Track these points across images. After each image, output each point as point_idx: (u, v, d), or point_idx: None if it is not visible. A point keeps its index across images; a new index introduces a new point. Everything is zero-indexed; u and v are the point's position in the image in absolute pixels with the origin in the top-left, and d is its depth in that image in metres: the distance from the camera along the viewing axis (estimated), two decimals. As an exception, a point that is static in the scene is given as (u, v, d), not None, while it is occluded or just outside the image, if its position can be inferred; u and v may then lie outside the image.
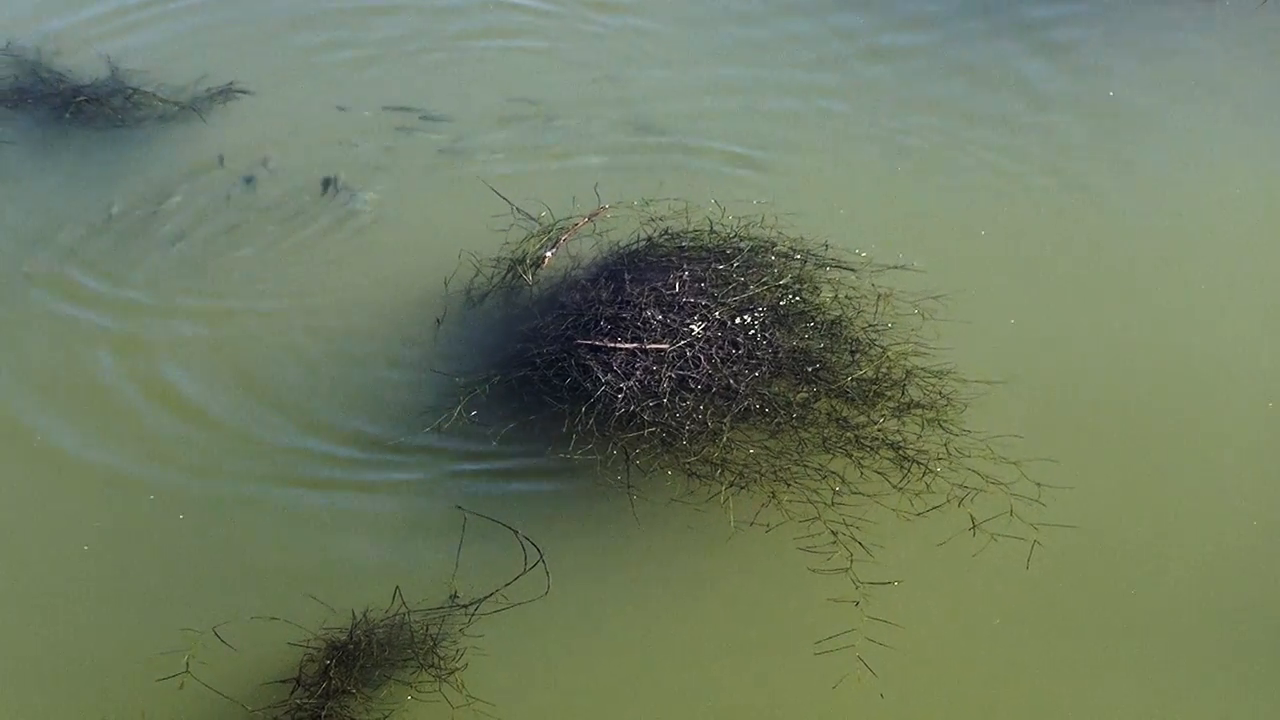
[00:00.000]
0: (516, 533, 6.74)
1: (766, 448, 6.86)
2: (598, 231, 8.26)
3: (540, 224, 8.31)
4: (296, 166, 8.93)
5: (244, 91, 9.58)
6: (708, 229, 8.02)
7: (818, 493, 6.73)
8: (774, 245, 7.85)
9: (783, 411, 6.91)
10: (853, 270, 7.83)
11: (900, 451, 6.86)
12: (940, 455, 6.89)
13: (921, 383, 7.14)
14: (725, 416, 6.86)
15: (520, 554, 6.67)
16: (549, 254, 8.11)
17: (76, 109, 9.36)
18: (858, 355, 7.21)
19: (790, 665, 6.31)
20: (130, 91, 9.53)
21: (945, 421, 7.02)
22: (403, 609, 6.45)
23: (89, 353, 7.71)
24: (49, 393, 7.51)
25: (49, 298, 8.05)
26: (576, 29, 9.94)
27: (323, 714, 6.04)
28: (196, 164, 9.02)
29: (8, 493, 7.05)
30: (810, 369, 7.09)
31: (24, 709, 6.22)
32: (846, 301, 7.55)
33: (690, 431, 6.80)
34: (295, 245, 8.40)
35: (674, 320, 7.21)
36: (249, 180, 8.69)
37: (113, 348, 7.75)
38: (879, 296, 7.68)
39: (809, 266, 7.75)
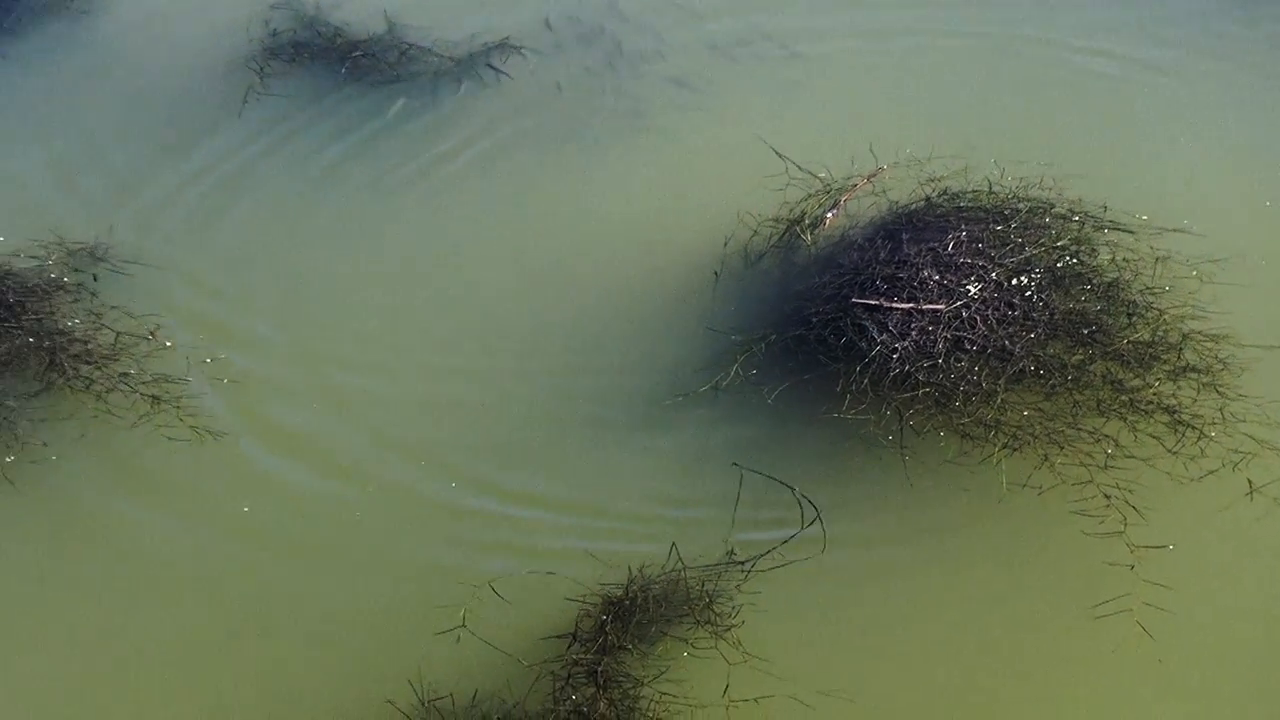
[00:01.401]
0: (794, 490, 7.40)
1: (1040, 410, 7.43)
2: (876, 191, 8.86)
3: (820, 183, 8.97)
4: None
5: (518, 48, 10.40)
6: (986, 189, 8.59)
7: (1091, 456, 7.28)
8: (1052, 207, 8.38)
9: (1057, 374, 7.47)
10: (1131, 232, 8.34)
11: (1175, 415, 7.36)
12: (1215, 420, 7.38)
13: (1198, 346, 7.65)
14: (1000, 378, 7.45)
15: (796, 512, 7.33)
16: (829, 215, 8.77)
17: (353, 64, 10.27)
18: (1134, 318, 7.72)
19: (1066, 628, 6.85)
20: (406, 47, 10.39)
21: (1221, 386, 7.52)
22: (679, 565, 7.13)
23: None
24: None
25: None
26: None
27: (599, 669, 6.58)
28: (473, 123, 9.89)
29: (287, 461, 7.97)
30: (1086, 331, 7.64)
31: (308, 663, 6.97)
32: (1124, 264, 8.06)
33: (964, 392, 7.42)
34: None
35: (950, 280, 7.83)
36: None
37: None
38: (1157, 259, 8.18)
39: (1087, 229, 8.28)
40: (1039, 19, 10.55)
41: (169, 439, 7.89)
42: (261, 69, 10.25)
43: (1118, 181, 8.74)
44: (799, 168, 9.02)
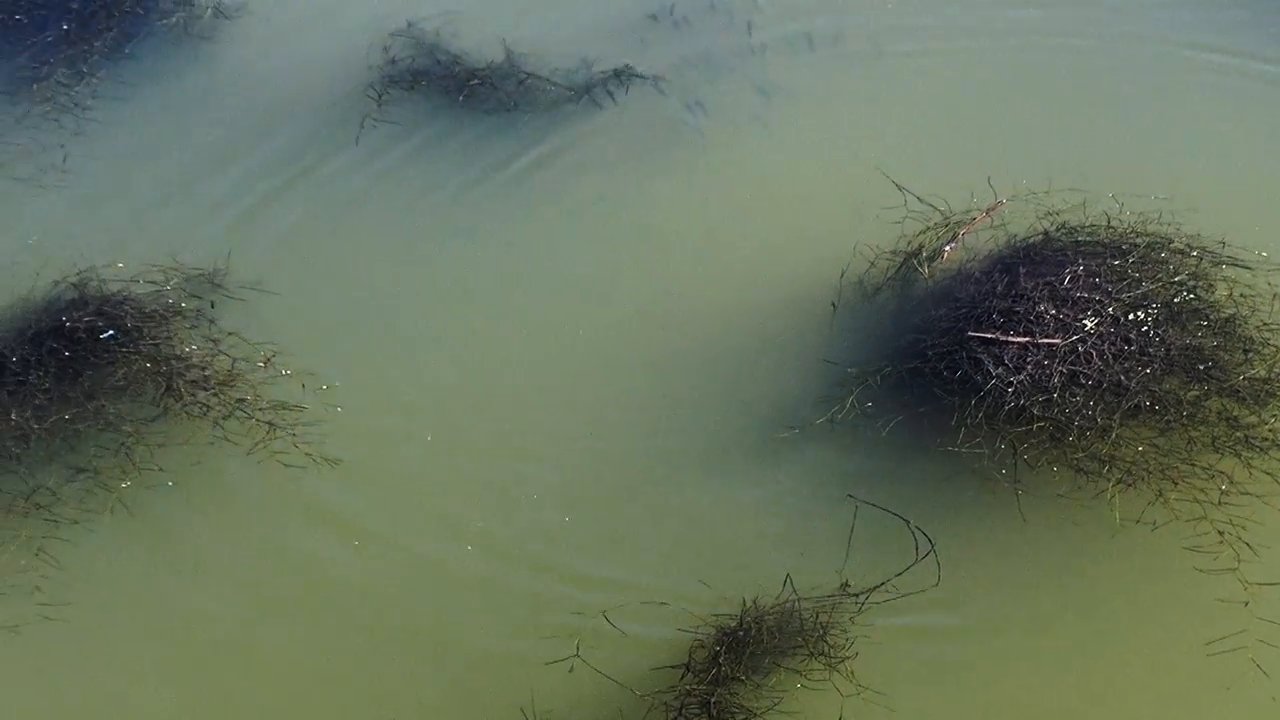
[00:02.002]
0: (908, 522, 7.72)
1: (1155, 445, 7.72)
2: (994, 224, 9.19)
3: (939, 215, 9.34)
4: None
5: (639, 76, 10.83)
6: (1104, 224, 8.88)
7: (1205, 492, 7.55)
8: (1170, 241, 8.66)
9: (1172, 409, 7.76)
10: (1249, 268, 8.60)
11: (1291, 452, 7.48)
12: (1334, 458, 7.48)
13: None
14: (1115, 413, 7.75)
15: (910, 544, 7.65)
16: (948, 249, 9.12)
17: (470, 93, 10.72)
18: (1250, 354, 7.99)
19: (1179, 664, 7.14)
20: (524, 76, 10.84)
21: None
22: (793, 596, 7.45)
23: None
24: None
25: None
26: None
27: (712, 700, 6.84)
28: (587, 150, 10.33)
29: (400, 489, 8.40)
30: (1202, 367, 7.92)
31: (421, 695, 7.35)
32: (1241, 300, 8.32)
33: (1079, 427, 7.73)
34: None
35: (1067, 315, 8.15)
36: None
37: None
38: (1275, 295, 8.45)
39: (1205, 264, 8.55)
40: (1160, 18, 11.00)
41: (284, 465, 8.27)
42: (379, 96, 10.70)
43: (1238, 216, 8.97)
44: (919, 199, 9.33)
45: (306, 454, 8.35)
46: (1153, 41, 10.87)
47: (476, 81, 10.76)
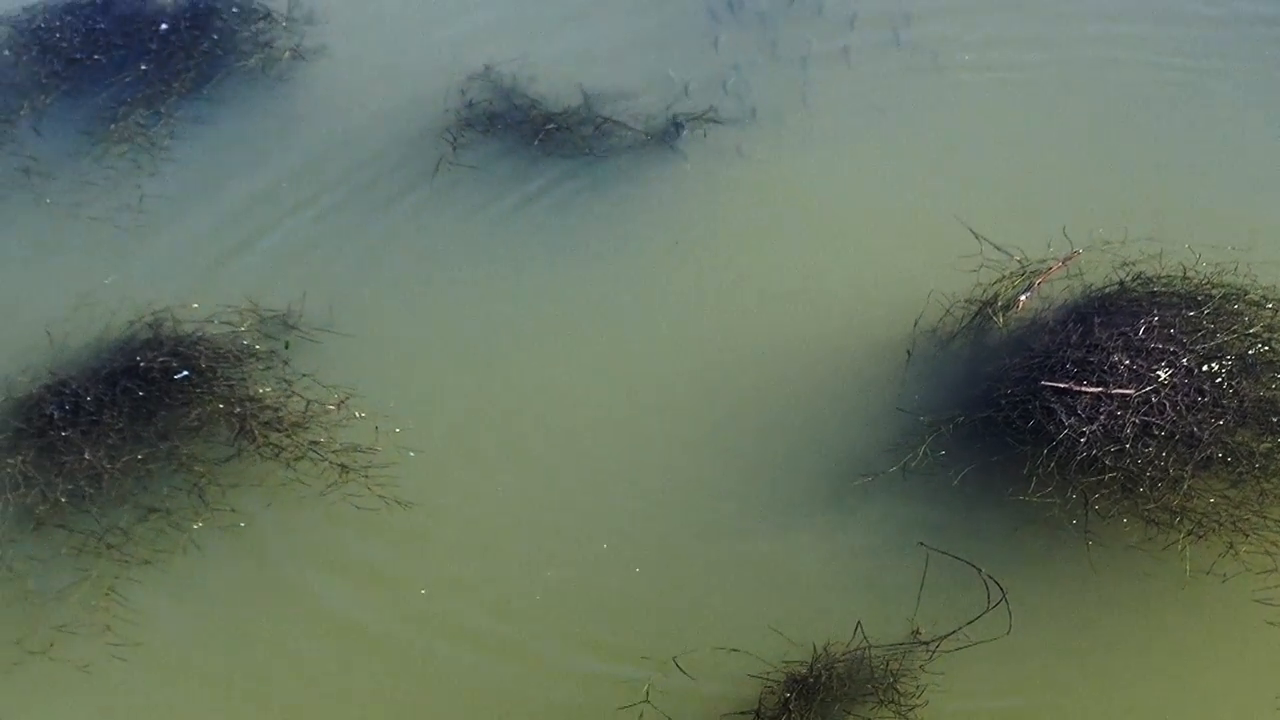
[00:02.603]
0: (980, 570, 8.02)
1: (1226, 497, 8.01)
2: (1070, 274, 9.53)
3: (1015, 264, 9.67)
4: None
5: (716, 122, 11.23)
6: (1180, 274, 9.17)
7: (1276, 544, 7.84)
8: (1246, 293, 8.94)
9: (1245, 461, 8.04)
10: None
11: (1364, 508, 7.74)
12: (1405, 516, 7.75)
13: None
14: (1187, 464, 8.04)
15: (981, 593, 7.95)
16: (1023, 298, 9.46)
17: (546, 137, 11.12)
18: (1324, 407, 8.09)
19: (1250, 717, 7.45)
20: (600, 120, 11.26)
21: None
22: (863, 644, 7.74)
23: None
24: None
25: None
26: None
27: None
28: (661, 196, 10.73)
29: (472, 535, 8.79)
30: (1275, 419, 8.20)
31: None
32: (1317, 353, 8.44)
33: (1150, 478, 8.02)
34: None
35: (1140, 365, 8.45)
36: None
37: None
38: None
39: (1280, 316, 8.68)
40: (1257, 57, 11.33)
41: (357, 508, 8.66)
42: (455, 139, 11.13)
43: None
44: (996, 248, 9.69)
45: (379, 497, 8.71)
46: (1242, 86, 11.23)
47: (553, 126, 11.16)
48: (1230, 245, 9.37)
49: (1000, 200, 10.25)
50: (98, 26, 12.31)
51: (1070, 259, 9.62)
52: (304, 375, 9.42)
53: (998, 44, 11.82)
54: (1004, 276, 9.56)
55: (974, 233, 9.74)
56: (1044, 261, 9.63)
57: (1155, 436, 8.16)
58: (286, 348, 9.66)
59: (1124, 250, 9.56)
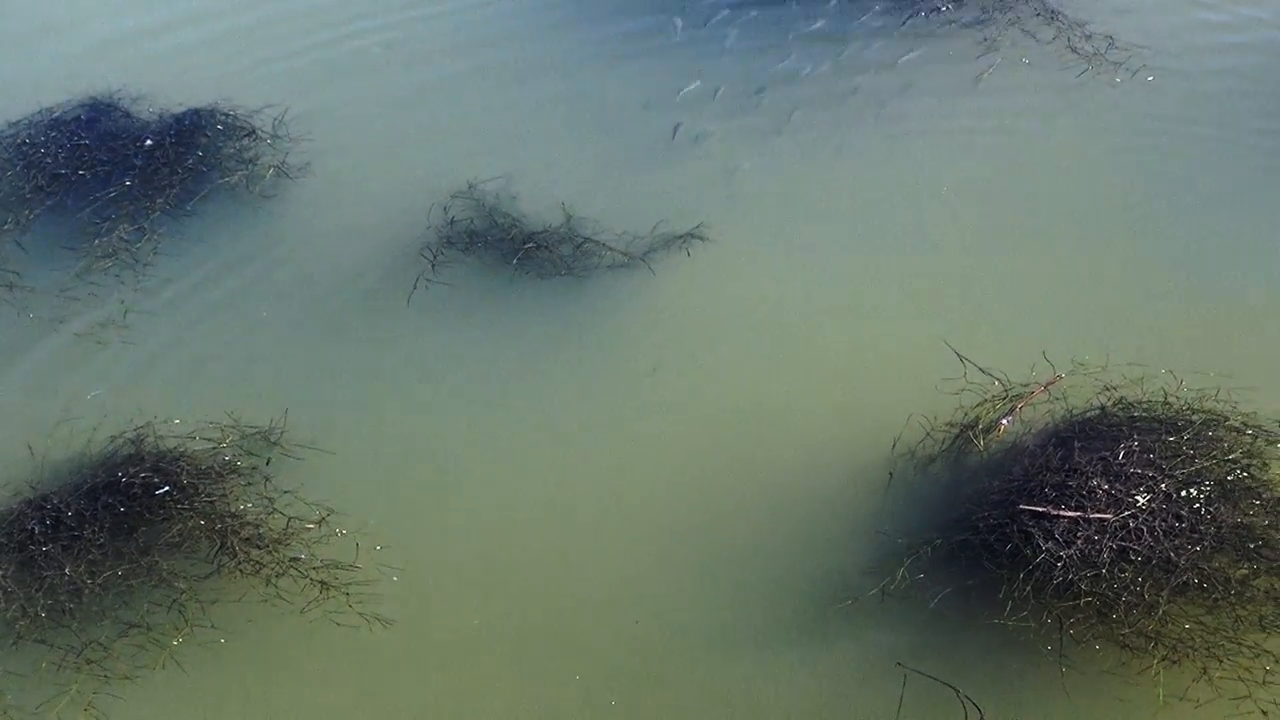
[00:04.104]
0: (958, 691, 8.40)
1: (1202, 623, 8.39)
2: (1051, 398, 9.96)
3: (997, 387, 10.09)
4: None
5: (701, 238, 11.72)
6: (1161, 400, 9.60)
7: (1250, 671, 8.23)
8: (1226, 419, 9.36)
9: (1221, 587, 8.43)
10: None
11: (1338, 634, 8.12)
12: (1380, 641, 8.13)
13: None
14: (1163, 590, 8.44)
15: (959, 714, 8.34)
16: (1004, 422, 9.89)
17: (525, 256, 11.57)
18: (1302, 534, 8.48)
19: (1223, 844, 7.64)
20: (581, 240, 11.72)
21: None
22: None
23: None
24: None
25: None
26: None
27: None
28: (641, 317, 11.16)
29: (450, 656, 9.20)
30: (1252, 545, 8.59)
31: None
32: (1296, 479, 8.82)
33: (1126, 603, 8.42)
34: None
35: (1119, 490, 8.87)
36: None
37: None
38: None
39: (1260, 442, 9.21)
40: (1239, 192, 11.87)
41: (338, 625, 9.01)
42: (435, 257, 11.59)
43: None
44: (980, 370, 10.12)
45: (360, 614, 9.06)
46: (1229, 218, 11.73)
47: (532, 245, 11.61)
48: (1212, 371, 9.82)
49: (984, 323, 10.73)
50: (83, 142, 12.79)
51: (1052, 383, 10.05)
52: (285, 492, 9.76)
53: (983, 168, 12.36)
54: (985, 400, 9.98)
55: (958, 355, 10.18)
56: (1026, 385, 10.05)
57: (1132, 561, 8.55)
58: (268, 464, 10.02)
59: (1106, 375, 10.01)
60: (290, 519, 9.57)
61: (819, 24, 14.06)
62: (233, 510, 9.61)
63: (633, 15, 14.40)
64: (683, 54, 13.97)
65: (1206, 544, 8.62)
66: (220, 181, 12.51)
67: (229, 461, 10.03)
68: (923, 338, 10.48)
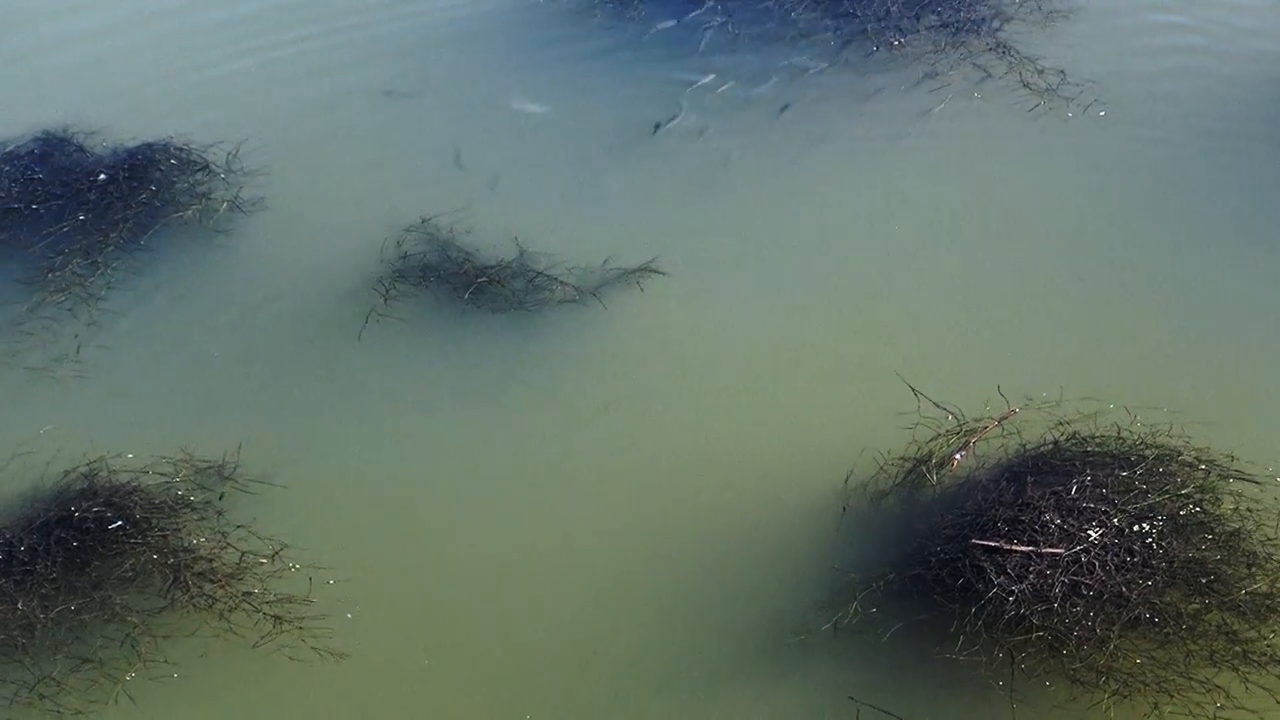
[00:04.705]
0: (907, 727, 8.40)
1: (1153, 658, 8.52)
2: (1005, 432, 10.11)
3: (951, 420, 10.23)
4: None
5: (657, 272, 11.86)
6: (1114, 435, 9.75)
7: (1201, 706, 8.35)
8: (1179, 454, 9.51)
9: (1172, 622, 8.56)
10: (1258, 483, 9.40)
11: (1288, 668, 8.28)
12: (1331, 675, 8.28)
13: None
14: (1114, 624, 8.58)
15: (909, 751, 8.30)
16: (958, 456, 10.03)
17: (477, 290, 11.71)
18: (1254, 569, 8.79)
19: None
20: (533, 274, 11.86)
21: None
22: None
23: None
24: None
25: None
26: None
27: None
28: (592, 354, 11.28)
29: (403, 690, 9.26)
30: (1204, 580, 8.74)
31: None
32: (1247, 514, 9.13)
33: (1078, 637, 8.55)
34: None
35: (1072, 525, 9.00)
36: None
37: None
38: None
39: (1213, 477, 9.36)
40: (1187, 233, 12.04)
41: (291, 659, 9.08)
42: (387, 291, 11.73)
43: (1249, 431, 9.89)
44: (935, 404, 10.26)
45: (313, 649, 9.15)
46: (1180, 251, 11.90)
47: (484, 279, 11.76)
48: (1165, 406, 9.98)
49: (938, 357, 10.89)
50: (36, 176, 12.94)
51: (1006, 417, 10.19)
52: (239, 527, 9.86)
53: (936, 203, 12.59)
54: (939, 434, 10.11)
55: (913, 389, 10.30)
56: (980, 420, 10.19)
57: (1084, 596, 8.69)
58: (221, 499, 10.12)
59: (1060, 410, 10.15)
60: (244, 553, 9.65)
61: (769, 60, 13.95)
62: (186, 545, 9.69)
63: (597, 46, 14.53)
64: (643, 88, 14.14)
65: (1158, 579, 8.74)
66: (174, 216, 12.63)
67: (182, 496, 10.12)
68: (877, 372, 10.62)
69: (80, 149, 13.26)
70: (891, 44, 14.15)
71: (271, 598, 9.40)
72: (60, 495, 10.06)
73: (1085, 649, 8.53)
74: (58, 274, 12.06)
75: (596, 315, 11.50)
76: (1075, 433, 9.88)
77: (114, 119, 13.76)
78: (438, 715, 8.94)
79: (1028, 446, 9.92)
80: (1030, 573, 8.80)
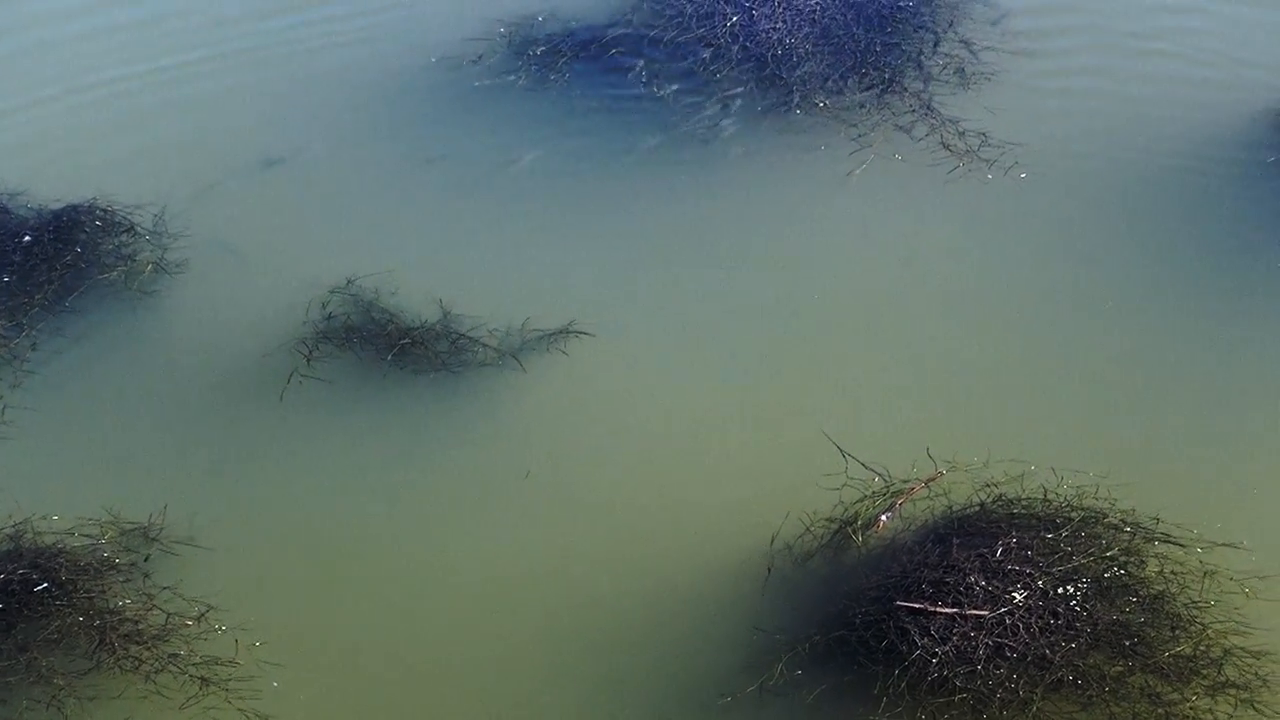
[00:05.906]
0: (833, 791, 8.60)
1: (1075, 720, 8.66)
2: (931, 494, 10.38)
3: (877, 480, 10.49)
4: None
5: (581, 333, 12.11)
6: (1041, 497, 10.04)
7: (1123, 767, 8.44)
8: (1105, 516, 9.79)
9: (1096, 684, 8.80)
10: (1181, 546, 9.66)
11: (1211, 731, 8.53)
12: (1253, 737, 8.53)
13: (1239, 662, 8.94)
14: (1038, 686, 8.81)
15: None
16: (884, 518, 10.29)
17: (400, 352, 11.93)
18: (1177, 631, 9.04)
19: None
20: (456, 336, 12.08)
21: (1259, 703, 8.82)
22: None
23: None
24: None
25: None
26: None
27: None
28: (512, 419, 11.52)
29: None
30: (1128, 643, 8.98)
31: None
32: (1172, 577, 9.40)
33: (1001, 699, 8.78)
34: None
35: (997, 587, 9.24)
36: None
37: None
38: (1205, 573, 9.53)
39: (1138, 539, 9.64)
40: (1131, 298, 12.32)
41: (216, 722, 9.05)
42: (310, 353, 11.93)
43: (1174, 493, 10.17)
44: (863, 465, 10.52)
45: (240, 710, 9.31)
46: (1104, 314, 12.21)
47: (407, 341, 11.96)
48: (1091, 469, 10.27)
49: (866, 418, 11.17)
50: (-41, 238, 12.77)
51: (933, 479, 10.45)
52: (164, 588, 10.03)
53: (856, 265, 12.90)
54: (866, 495, 10.35)
55: (841, 450, 10.58)
56: (907, 481, 10.45)
57: (1008, 658, 8.91)
58: (146, 560, 10.27)
59: (987, 471, 10.42)
60: (169, 615, 9.80)
61: (688, 120, 14.30)
62: (111, 606, 9.82)
63: (524, 110, 14.67)
64: (562, 149, 14.40)
65: (1082, 641, 8.97)
66: (99, 278, 12.78)
67: (108, 558, 10.25)
68: (803, 433, 10.89)
69: (4, 210, 13.36)
70: (816, 106, 14.17)
71: (198, 659, 9.54)
72: (-16, 557, 9.91)
73: (1008, 711, 8.73)
74: (-19, 336, 11.88)
75: (518, 378, 11.76)
76: (1002, 495, 10.13)
77: (38, 180, 13.89)
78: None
79: (954, 508, 10.14)
80: (954, 635, 9.00)
